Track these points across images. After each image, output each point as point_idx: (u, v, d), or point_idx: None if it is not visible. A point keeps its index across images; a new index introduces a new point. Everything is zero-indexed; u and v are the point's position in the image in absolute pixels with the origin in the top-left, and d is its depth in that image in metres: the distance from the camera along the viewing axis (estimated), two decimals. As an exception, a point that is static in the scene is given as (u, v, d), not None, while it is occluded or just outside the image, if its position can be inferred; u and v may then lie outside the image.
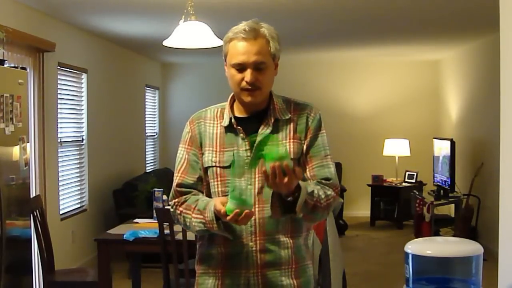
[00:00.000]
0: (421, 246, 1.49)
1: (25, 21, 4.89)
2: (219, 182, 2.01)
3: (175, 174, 2.07)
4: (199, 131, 2.06)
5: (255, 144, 1.92)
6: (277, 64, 2.05)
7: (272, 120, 2.02)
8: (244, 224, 1.89)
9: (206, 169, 2.04)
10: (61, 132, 5.80)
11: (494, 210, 3.65)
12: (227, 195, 1.96)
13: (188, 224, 2.01)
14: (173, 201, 2.05)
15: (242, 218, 1.83)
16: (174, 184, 2.06)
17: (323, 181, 2.00)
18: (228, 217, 1.83)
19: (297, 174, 1.81)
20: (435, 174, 7.80)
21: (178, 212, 2.03)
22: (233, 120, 2.03)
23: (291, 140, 2.02)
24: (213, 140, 2.04)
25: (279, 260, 2.00)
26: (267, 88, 2.01)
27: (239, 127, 2.02)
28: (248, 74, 1.95)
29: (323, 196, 1.95)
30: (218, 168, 2.01)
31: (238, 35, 1.96)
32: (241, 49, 1.95)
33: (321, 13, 5.52)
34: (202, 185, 2.05)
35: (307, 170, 2.01)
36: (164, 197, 4.49)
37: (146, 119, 8.81)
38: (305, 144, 2.02)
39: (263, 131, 2.01)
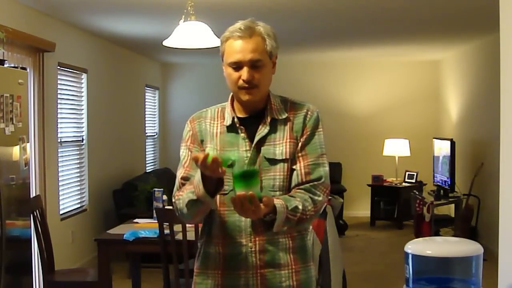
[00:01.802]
0: (421, 246, 1.49)
1: (25, 21, 4.89)
2: None
3: (179, 170, 2.04)
4: (199, 129, 2.06)
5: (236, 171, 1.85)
6: (275, 62, 2.04)
7: (269, 120, 2.02)
8: (214, 175, 1.79)
9: None
10: (61, 132, 5.80)
11: (494, 210, 3.65)
12: (227, 194, 1.96)
13: (181, 204, 1.96)
14: (176, 193, 2.02)
15: (211, 165, 1.74)
16: (179, 177, 2.03)
17: (315, 182, 1.98)
18: (199, 162, 1.75)
19: (264, 203, 1.80)
20: (435, 174, 7.80)
21: (176, 197, 1.99)
22: (236, 119, 2.03)
23: (288, 141, 2.01)
24: (214, 139, 2.03)
25: (278, 261, 1.99)
26: (264, 86, 2.01)
27: (242, 127, 2.02)
28: (244, 72, 1.95)
29: (310, 207, 1.94)
30: None
31: (234, 34, 1.96)
32: (237, 48, 1.95)
33: (321, 13, 5.52)
34: None
35: (301, 167, 1.99)
36: (164, 197, 4.49)
37: (146, 119, 8.81)
38: (301, 141, 2.01)
39: (261, 131, 2.01)
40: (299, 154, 2.00)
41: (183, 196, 1.96)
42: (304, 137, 2.02)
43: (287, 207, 1.89)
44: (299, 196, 1.95)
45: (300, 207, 1.92)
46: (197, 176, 1.88)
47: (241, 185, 1.78)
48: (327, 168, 2.03)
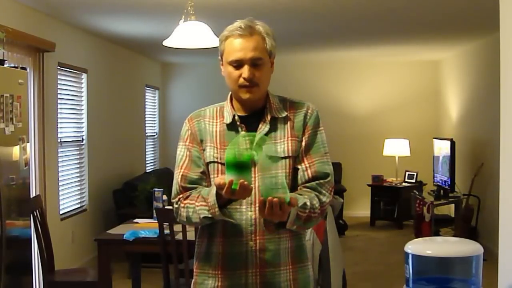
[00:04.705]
0: (421, 246, 1.49)
1: (25, 21, 4.89)
2: None
3: (177, 171, 2.04)
4: (199, 128, 2.06)
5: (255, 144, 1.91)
6: (273, 62, 2.05)
7: (269, 118, 2.03)
8: (242, 198, 1.86)
9: (207, 164, 2.03)
10: (61, 132, 5.80)
11: (494, 210, 3.65)
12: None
13: (191, 214, 1.96)
14: (178, 197, 2.02)
15: (239, 191, 1.79)
16: (178, 179, 2.02)
17: (322, 181, 2.00)
18: (224, 190, 1.79)
19: (292, 204, 1.82)
20: (435, 174, 7.80)
21: (182, 205, 1.99)
22: (236, 117, 2.03)
23: (289, 139, 2.02)
24: (214, 137, 2.03)
25: (278, 260, 2.00)
26: (264, 84, 2.01)
27: (242, 125, 2.02)
28: (245, 70, 1.95)
29: (317, 205, 1.96)
30: (219, 165, 2.00)
31: (234, 33, 1.97)
32: (237, 46, 1.96)
33: (321, 13, 5.52)
34: (206, 180, 2.03)
35: (307, 166, 2.01)
36: (164, 197, 4.49)
37: (146, 119, 8.81)
38: (304, 141, 2.03)
39: (261, 129, 2.01)
40: (304, 153, 2.02)
41: (194, 208, 1.95)
42: (306, 136, 2.03)
43: (297, 205, 1.90)
44: (307, 194, 1.97)
45: (308, 204, 1.93)
46: (211, 198, 1.89)
47: (233, 173, 1.78)
48: (331, 167, 2.05)
